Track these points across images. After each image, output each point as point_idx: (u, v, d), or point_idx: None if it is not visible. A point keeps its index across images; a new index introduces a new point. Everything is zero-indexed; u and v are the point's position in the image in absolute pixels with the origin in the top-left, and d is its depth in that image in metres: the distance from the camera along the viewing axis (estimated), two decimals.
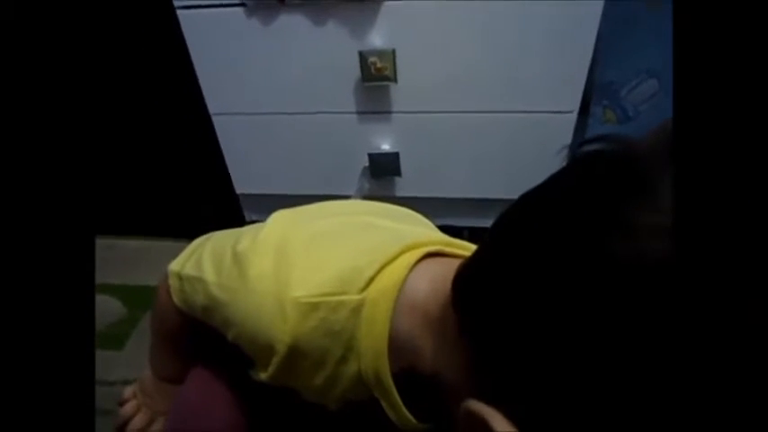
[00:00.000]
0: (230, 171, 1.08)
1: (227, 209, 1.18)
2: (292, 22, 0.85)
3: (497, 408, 0.25)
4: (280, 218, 0.39)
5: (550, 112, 0.91)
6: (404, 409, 0.36)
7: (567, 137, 0.93)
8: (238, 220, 1.20)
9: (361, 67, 0.86)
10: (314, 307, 0.33)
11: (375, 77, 0.87)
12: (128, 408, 0.53)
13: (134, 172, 1.18)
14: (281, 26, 0.86)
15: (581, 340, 0.21)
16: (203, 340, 0.49)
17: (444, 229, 0.45)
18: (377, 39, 0.85)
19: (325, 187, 1.06)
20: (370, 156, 0.98)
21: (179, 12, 0.86)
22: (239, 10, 0.85)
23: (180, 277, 0.42)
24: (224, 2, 0.84)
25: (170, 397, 0.51)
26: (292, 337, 0.34)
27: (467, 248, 0.38)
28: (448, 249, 0.37)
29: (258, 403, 0.47)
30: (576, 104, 0.90)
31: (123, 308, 0.98)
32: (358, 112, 0.95)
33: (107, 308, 0.97)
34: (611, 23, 0.90)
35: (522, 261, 0.24)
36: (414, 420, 0.36)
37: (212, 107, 0.98)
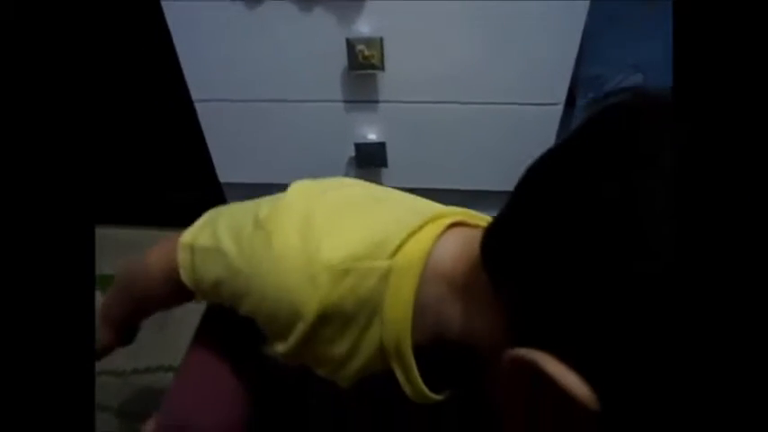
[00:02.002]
0: (214, 159, 1.06)
1: (211, 198, 1.17)
2: (278, 8, 0.83)
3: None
4: (300, 187, 0.38)
5: (537, 105, 0.91)
6: (419, 380, 0.36)
7: (553, 129, 0.94)
8: None
9: (348, 54, 0.85)
10: (345, 273, 0.33)
11: (362, 65, 0.86)
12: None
13: (115, 160, 1.15)
14: (266, 12, 0.84)
15: (602, 281, 0.22)
16: (200, 335, 0.49)
17: None
18: (364, 26, 0.84)
19: (310, 177, 1.05)
20: (357, 145, 0.97)
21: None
22: None
23: (192, 250, 0.40)
24: None
25: (101, 335, 0.51)
26: (322, 303, 0.34)
27: (486, 220, 0.39)
28: (469, 220, 0.38)
29: (255, 401, 0.47)
30: (561, 97, 0.90)
31: (102, 298, 0.96)
32: (344, 101, 0.94)
33: None
34: (597, 18, 0.90)
35: (542, 216, 0.26)
36: (427, 392, 0.37)
37: (195, 94, 0.96)
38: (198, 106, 0.98)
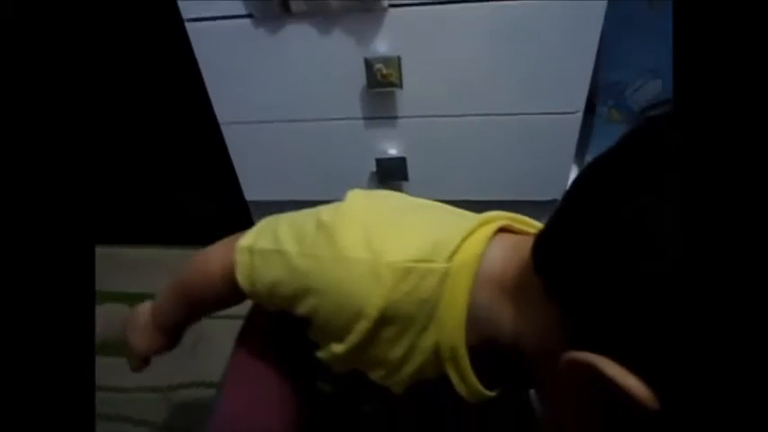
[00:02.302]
0: (240, 179, 1.10)
1: (237, 216, 1.20)
2: (299, 32, 0.86)
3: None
4: (359, 193, 0.40)
5: (556, 114, 0.91)
6: (474, 379, 0.37)
7: (573, 137, 0.94)
8: (248, 228, 1.21)
9: (367, 73, 0.87)
10: (408, 272, 0.35)
11: (381, 84, 0.88)
12: None
13: (144, 181, 1.19)
14: (287, 36, 0.87)
15: (646, 288, 0.23)
16: (240, 349, 0.50)
17: None
18: (382, 46, 0.86)
19: (333, 192, 1.06)
20: (378, 161, 0.99)
21: (187, 24, 0.88)
22: (247, 21, 0.86)
23: (251, 252, 0.41)
24: (231, 14, 0.86)
25: (153, 340, 0.52)
26: (386, 301, 0.35)
27: (531, 224, 0.40)
28: (515, 224, 0.39)
29: (305, 412, 0.48)
30: (581, 105, 0.90)
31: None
32: (364, 118, 0.96)
33: (121, 316, 0.99)
34: (614, 24, 0.91)
35: (586, 225, 0.27)
36: (482, 389, 0.38)
37: (221, 116, 1.00)
38: (224, 128, 1.02)
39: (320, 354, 0.40)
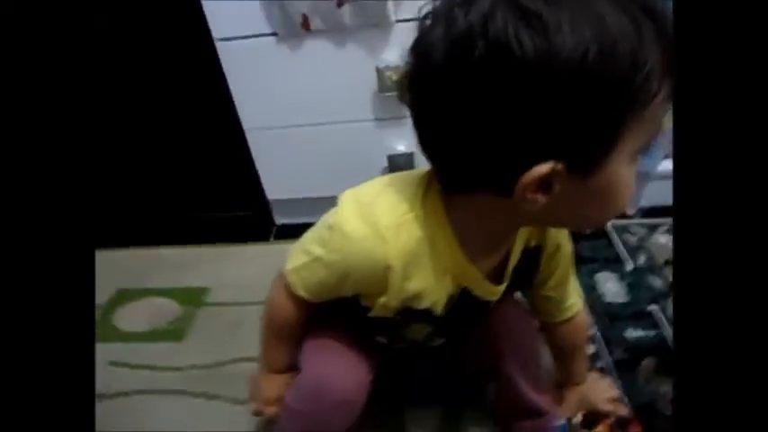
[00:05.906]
0: (262, 179, 1.20)
1: (260, 214, 1.29)
2: (317, 47, 0.98)
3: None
4: (346, 194, 0.53)
5: None
6: (484, 280, 0.52)
7: None
8: (269, 224, 1.31)
9: (378, 80, 0.99)
10: (400, 226, 0.47)
11: (391, 88, 0.99)
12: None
13: (175, 186, 1.29)
14: (307, 50, 0.99)
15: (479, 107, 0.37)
16: (314, 325, 0.63)
17: None
18: (391, 55, 0.98)
19: (348, 188, 1.17)
20: (389, 157, 1.11)
21: (217, 43, 0.99)
22: (271, 39, 0.97)
23: (296, 271, 0.55)
24: (257, 33, 0.97)
25: (280, 385, 0.65)
26: (398, 250, 0.47)
27: None
28: None
29: (372, 361, 0.62)
30: None
31: (179, 307, 1.09)
32: (376, 120, 1.07)
33: (165, 308, 1.09)
34: None
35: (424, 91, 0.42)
36: (494, 285, 0.53)
37: (246, 123, 1.11)
38: (248, 134, 1.13)
39: (373, 312, 0.54)
